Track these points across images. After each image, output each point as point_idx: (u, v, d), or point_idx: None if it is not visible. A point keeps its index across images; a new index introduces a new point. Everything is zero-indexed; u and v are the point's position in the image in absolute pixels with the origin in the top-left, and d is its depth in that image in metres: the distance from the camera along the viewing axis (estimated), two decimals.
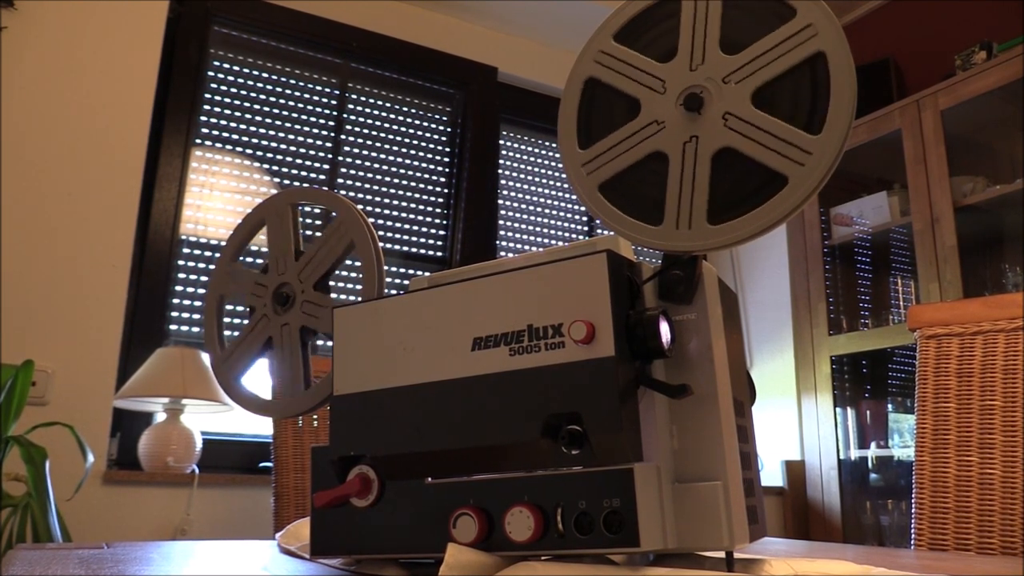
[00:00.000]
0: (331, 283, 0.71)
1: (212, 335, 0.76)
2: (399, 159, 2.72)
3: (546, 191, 3.03)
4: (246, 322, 0.73)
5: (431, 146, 2.80)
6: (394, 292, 0.61)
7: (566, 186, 3.05)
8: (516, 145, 3.01)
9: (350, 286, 2.47)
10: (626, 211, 0.56)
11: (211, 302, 0.76)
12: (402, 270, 2.65)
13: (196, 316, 2.27)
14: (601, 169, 0.57)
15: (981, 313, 1.09)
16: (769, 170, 0.51)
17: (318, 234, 0.73)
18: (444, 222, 2.77)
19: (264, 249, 0.75)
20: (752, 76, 0.53)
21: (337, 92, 2.65)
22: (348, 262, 2.50)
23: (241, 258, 0.78)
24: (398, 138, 2.73)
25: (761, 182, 0.51)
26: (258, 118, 2.49)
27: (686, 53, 0.55)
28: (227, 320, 0.76)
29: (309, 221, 2.47)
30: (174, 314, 2.24)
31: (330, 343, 0.61)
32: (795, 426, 2.71)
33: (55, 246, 2.00)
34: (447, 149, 2.84)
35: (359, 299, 0.62)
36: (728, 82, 0.53)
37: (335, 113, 2.63)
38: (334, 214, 0.72)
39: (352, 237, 0.70)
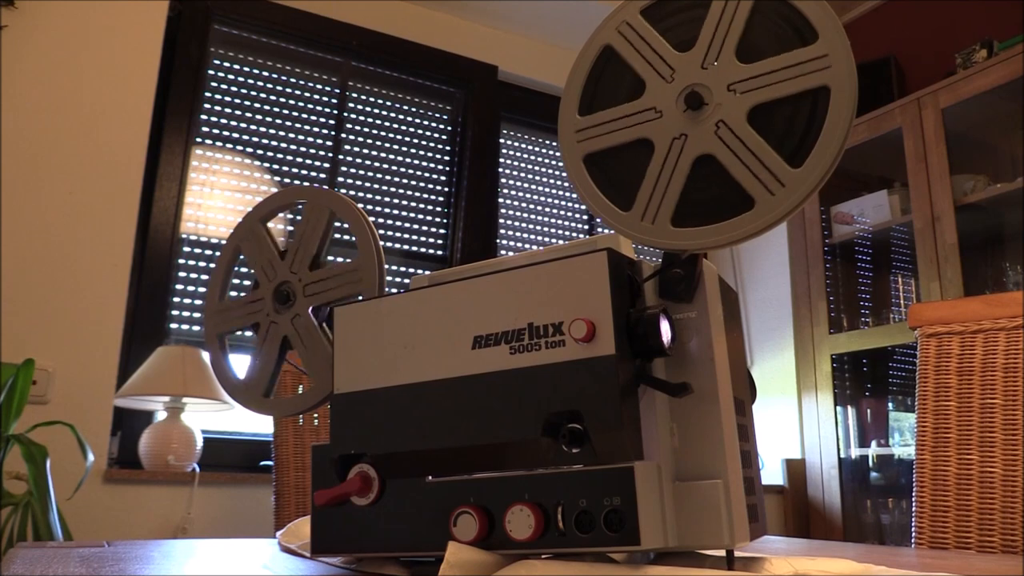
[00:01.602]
0: (329, 266, 0.71)
1: (225, 372, 0.74)
2: (400, 158, 2.72)
3: (547, 190, 3.03)
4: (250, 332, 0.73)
5: (431, 145, 2.80)
6: (395, 291, 0.60)
7: (567, 184, 3.05)
8: (516, 144, 3.01)
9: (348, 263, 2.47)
10: (602, 188, 0.57)
11: (213, 343, 0.75)
12: (403, 268, 2.65)
13: (196, 315, 2.27)
14: (592, 140, 0.58)
15: (982, 311, 1.09)
16: (741, 189, 0.51)
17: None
18: (445, 221, 2.77)
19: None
20: (755, 92, 0.52)
21: (338, 91, 2.65)
22: (348, 260, 2.50)
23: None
24: (398, 137, 2.73)
25: (731, 199, 0.52)
26: (259, 117, 2.49)
27: (702, 49, 0.55)
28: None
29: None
30: (175, 313, 2.24)
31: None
32: (795, 424, 2.71)
33: (56, 245, 2.00)
34: (447, 148, 2.84)
35: (360, 297, 0.62)
36: (732, 91, 0.53)
37: (336, 112, 2.63)
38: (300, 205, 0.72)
39: (329, 210, 0.70)
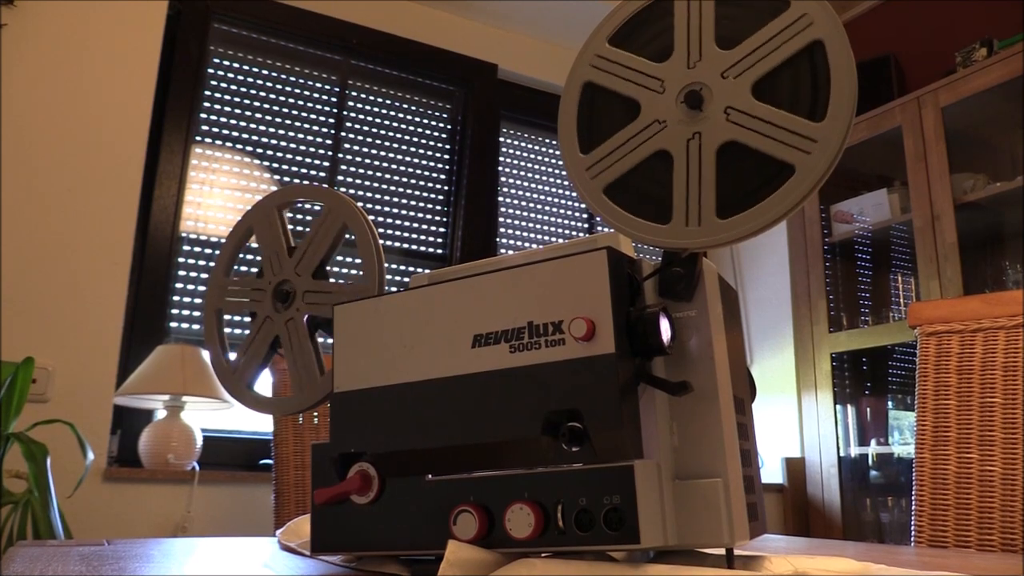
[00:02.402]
0: (331, 280, 0.71)
1: (216, 350, 0.75)
2: (399, 156, 2.71)
3: (546, 188, 3.03)
4: (247, 331, 0.73)
5: (431, 143, 2.80)
6: (394, 289, 0.60)
7: (566, 183, 3.05)
8: (516, 142, 3.01)
9: (350, 284, 2.47)
10: (633, 212, 0.55)
11: (209, 318, 0.76)
12: (402, 267, 2.65)
13: (196, 313, 2.27)
14: (605, 172, 0.57)
15: (981, 310, 1.09)
16: (775, 161, 0.51)
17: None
18: (444, 219, 2.77)
19: (255, 248, 0.75)
20: (751, 69, 0.53)
21: (337, 89, 2.65)
22: (348, 259, 2.50)
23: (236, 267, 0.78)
24: (398, 135, 2.73)
25: (768, 174, 0.51)
26: (258, 115, 2.49)
27: (682, 51, 0.55)
28: (228, 320, 0.76)
29: (309, 219, 2.47)
30: (174, 311, 2.24)
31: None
32: (795, 423, 2.71)
33: (55, 243, 2.00)
34: (447, 146, 2.84)
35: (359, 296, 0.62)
36: (727, 77, 0.53)
37: (335, 110, 2.62)
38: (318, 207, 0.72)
39: (343, 220, 0.70)
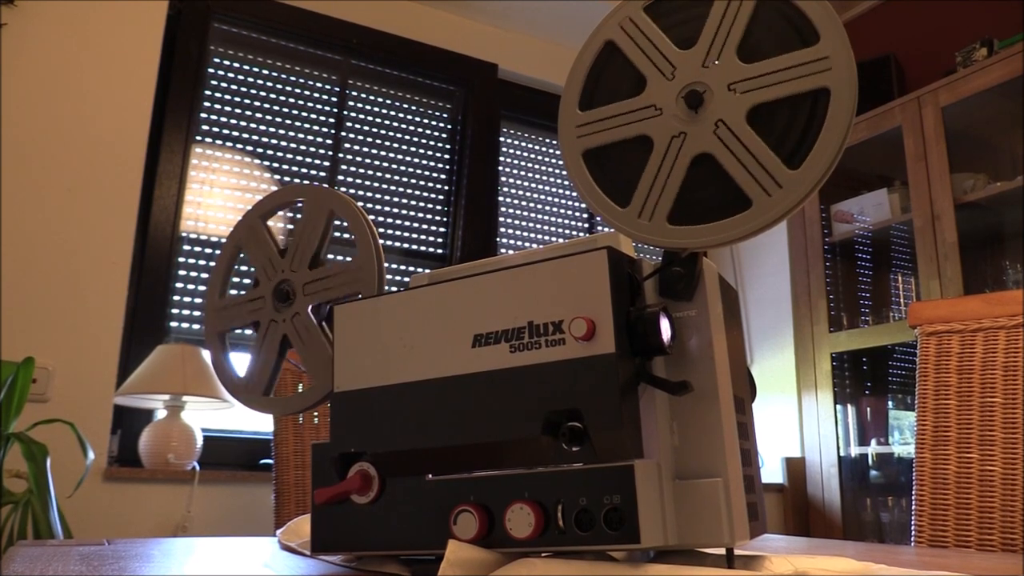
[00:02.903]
0: (328, 267, 0.71)
1: (228, 371, 0.74)
2: (399, 156, 2.71)
3: (547, 188, 3.03)
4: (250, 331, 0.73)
5: (431, 143, 2.80)
6: (394, 289, 0.60)
7: (566, 183, 3.05)
8: (516, 142, 3.01)
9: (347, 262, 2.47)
10: (600, 184, 0.56)
11: (213, 342, 0.75)
12: (402, 267, 2.65)
13: (196, 313, 2.27)
14: (591, 136, 0.57)
15: (981, 310, 1.09)
16: (738, 190, 0.51)
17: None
18: (444, 219, 2.77)
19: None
20: (756, 92, 0.52)
21: (338, 89, 2.65)
22: (348, 258, 2.50)
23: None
24: (398, 135, 2.73)
25: (727, 199, 0.51)
26: (258, 115, 2.48)
27: (703, 47, 0.55)
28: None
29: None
30: (174, 311, 2.24)
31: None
32: (795, 423, 2.71)
33: (55, 243, 2.00)
34: (447, 146, 2.84)
35: (359, 296, 0.62)
36: (732, 90, 0.53)
37: (335, 110, 2.62)
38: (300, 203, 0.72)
39: (328, 208, 0.70)
